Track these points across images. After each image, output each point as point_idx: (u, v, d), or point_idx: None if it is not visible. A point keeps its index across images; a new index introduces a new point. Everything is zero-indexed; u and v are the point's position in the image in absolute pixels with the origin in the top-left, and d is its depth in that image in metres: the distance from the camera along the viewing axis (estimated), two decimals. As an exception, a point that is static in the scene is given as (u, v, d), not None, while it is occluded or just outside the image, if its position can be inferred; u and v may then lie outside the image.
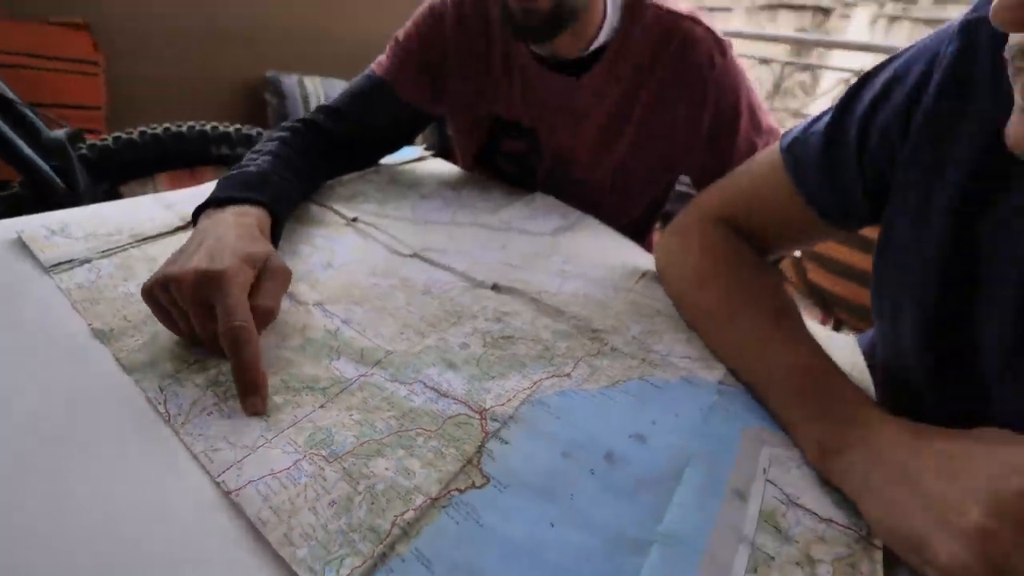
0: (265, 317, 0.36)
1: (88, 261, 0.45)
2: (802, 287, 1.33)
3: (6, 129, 0.76)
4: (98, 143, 0.83)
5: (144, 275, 0.44)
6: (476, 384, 0.35)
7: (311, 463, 0.28)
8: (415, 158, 0.81)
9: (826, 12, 9.58)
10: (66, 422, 0.30)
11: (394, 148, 0.76)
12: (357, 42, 1.90)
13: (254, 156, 0.54)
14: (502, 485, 0.28)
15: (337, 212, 0.59)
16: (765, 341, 0.37)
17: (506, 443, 0.30)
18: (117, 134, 0.84)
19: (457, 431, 0.31)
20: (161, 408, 0.31)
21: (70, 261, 0.44)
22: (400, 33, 0.70)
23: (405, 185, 0.70)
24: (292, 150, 0.57)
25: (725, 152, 0.60)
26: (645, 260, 0.56)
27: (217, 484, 0.27)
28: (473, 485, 0.28)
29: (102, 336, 0.37)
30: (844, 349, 0.45)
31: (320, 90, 1.77)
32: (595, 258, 0.55)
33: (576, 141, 0.66)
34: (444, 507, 0.26)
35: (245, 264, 0.36)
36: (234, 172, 0.50)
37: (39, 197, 0.75)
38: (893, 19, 9.04)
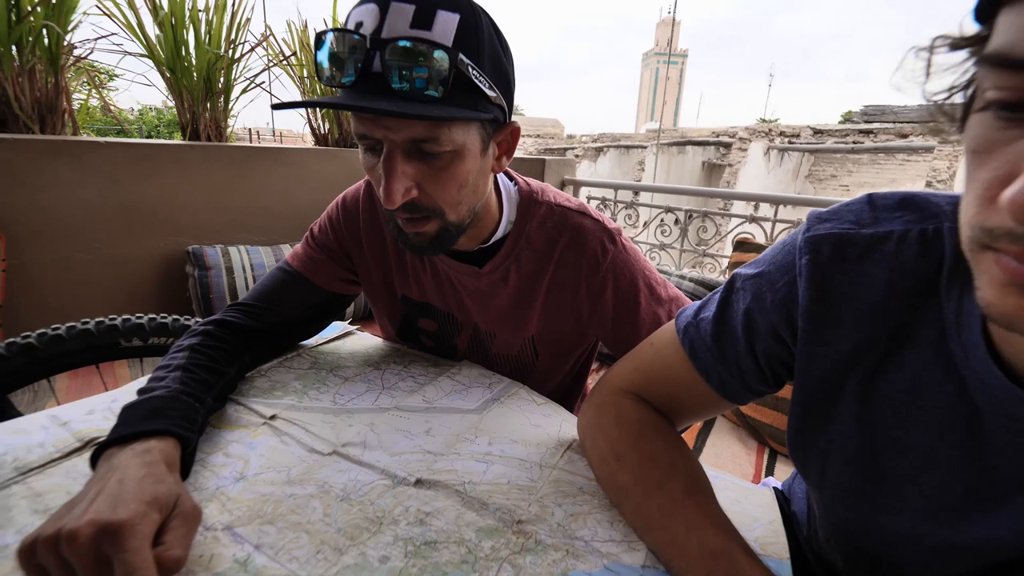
0: (172, 568, 0.36)
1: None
2: (736, 417, 1.41)
3: None
4: (-11, 351, 0.81)
5: (22, 518, 0.43)
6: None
7: None
8: (340, 334, 0.86)
9: (727, 146, 11.54)
10: None
11: (317, 330, 0.81)
12: (277, 212, 2.05)
13: (160, 375, 0.55)
14: None
15: (254, 411, 0.61)
16: (677, 520, 0.41)
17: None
18: (11, 340, 0.84)
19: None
20: None
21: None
22: (315, 226, 0.77)
23: (326, 369, 0.73)
24: (203, 357, 0.59)
25: (630, 325, 0.68)
26: (570, 428, 0.61)
27: None
28: None
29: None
30: (763, 506, 0.50)
31: (246, 258, 1.85)
32: (520, 434, 0.59)
33: (488, 320, 0.74)
34: None
35: (150, 510, 0.36)
36: (137, 401, 0.50)
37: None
38: (781, 150, 11.07)
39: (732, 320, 0.46)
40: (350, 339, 0.86)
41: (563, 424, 0.62)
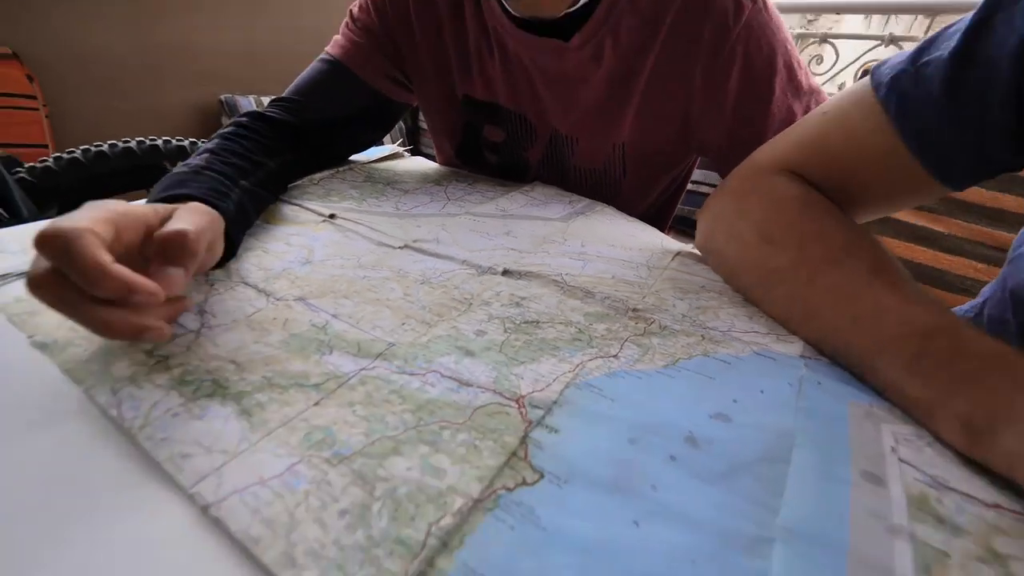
0: (178, 246, 0.30)
1: (25, 274, 0.40)
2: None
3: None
4: (38, 166, 0.78)
5: None
6: (504, 370, 0.31)
7: (310, 467, 0.23)
8: (390, 154, 0.78)
9: None
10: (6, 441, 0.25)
11: (362, 143, 0.73)
12: (308, 57, 1.92)
13: (189, 159, 0.49)
14: (559, 479, 0.23)
15: (311, 210, 0.56)
16: (863, 302, 0.33)
17: (555, 431, 0.26)
18: (58, 154, 0.80)
19: (490, 421, 0.26)
20: (113, 411, 0.26)
21: (5, 276, 0.40)
22: (354, 7, 0.66)
23: (383, 182, 0.66)
24: (234, 144, 0.52)
25: (756, 122, 0.55)
26: (674, 245, 0.53)
27: (191, 497, 0.22)
28: (523, 482, 0.23)
29: (44, 348, 0.32)
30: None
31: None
32: (616, 240, 0.52)
33: (571, 120, 0.63)
34: (490, 509, 0.22)
35: (114, 215, 0.30)
36: (164, 178, 0.45)
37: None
38: None
39: (992, 53, 0.32)
40: (402, 161, 0.78)
41: (666, 239, 0.54)
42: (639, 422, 0.27)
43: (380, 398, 0.28)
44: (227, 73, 1.74)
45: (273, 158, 0.56)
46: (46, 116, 1.60)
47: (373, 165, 0.72)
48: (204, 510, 0.21)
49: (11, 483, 0.23)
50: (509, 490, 0.22)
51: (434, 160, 0.82)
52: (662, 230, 0.78)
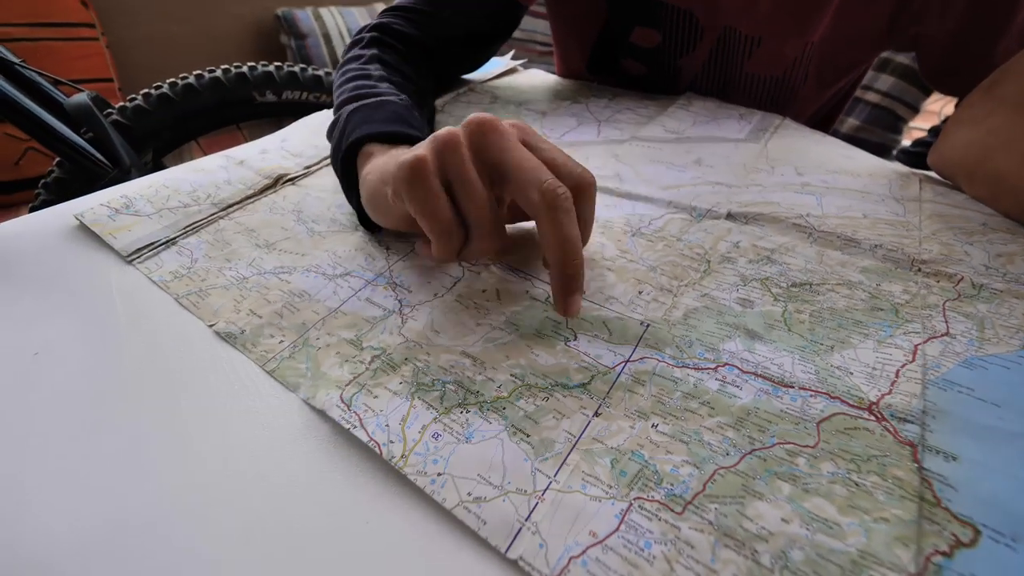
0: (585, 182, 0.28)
1: (172, 242, 0.36)
2: None
3: (24, 99, 0.67)
4: (128, 105, 0.73)
5: (246, 251, 0.35)
6: (818, 361, 0.24)
7: (648, 516, 0.18)
8: (506, 70, 0.68)
9: None
10: (230, 469, 0.21)
11: (482, 58, 0.63)
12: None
13: (367, 84, 0.42)
14: (1005, 536, 0.17)
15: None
16: None
17: (952, 458, 0.19)
18: (146, 91, 0.75)
19: (852, 443, 0.20)
20: (359, 432, 0.22)
21: (151, 245, 0.35)
22: None
23: (513, 103, 0.58)
24: (397, 73, 0.46)
25: (1004, 3, 0.43)
26: (899, 167, 0.43)
27: (510, 561, 0.17)
28: (958, 542, 0.17)
29: (233, 340, 0.28)
30: None
31: (341, 22, 1.63)
32: (832, 164, 0.42)
33: (758, 16, 0.51)
34: (934, 588, 0.16)
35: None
36: (367, 103, 0.38)
37: (82, 180, 0.66)
38: None
39: None
40: (522, 75, 0.68)
41: (881, 161, 0.44)
42: (1053, 439, 0.20)
43: (677, 405, 0.22)
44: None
45: (426, 87, 0.49)
46: (106, 47, 1.55)
47: (494, 83, 0.63)
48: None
49: (266, 537, 0.19)
50: (946, 555, 0.17)
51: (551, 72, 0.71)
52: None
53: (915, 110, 1.12)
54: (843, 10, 0.49)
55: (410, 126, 0.36)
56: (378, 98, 0.39)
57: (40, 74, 0.74)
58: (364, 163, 0.34)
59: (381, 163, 0.31)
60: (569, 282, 0.25)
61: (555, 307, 0.26)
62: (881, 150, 1.16)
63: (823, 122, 0.66)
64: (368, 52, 0.47)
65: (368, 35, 0.50)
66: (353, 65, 0.46)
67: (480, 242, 0.26)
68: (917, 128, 1.36)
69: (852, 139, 1.19)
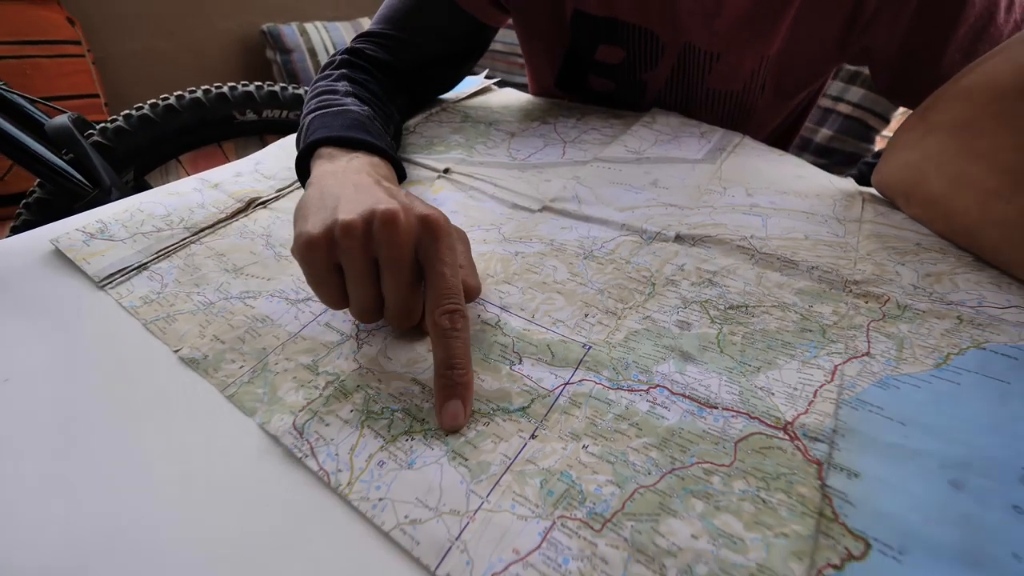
0: (471, 296, 0.30)
1: (145, 267, 0.37)
2: None
3: (3, 122, 0.67)
4: (109, 125, 0.74)
5: (215, 275, 0.36)
6: (743, 382, 0.25)
7: (569, 534, 0.20)
8: (479, 89, 0.70)
9: None
10: (184, 495, 0.22)
11: (453, 79, 0.64)
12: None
13: (333, 98, 0.44)
14: (893, 549, 0.18)
15: (422, 165, 0.50)
16: None
17: (855, 476, 0.21)
18: (127, 112, 0.76)
19: (765, 461, 0.22)
20: (311, 462, 0.23)
21: (123, 270, 0.36)
22: None
23: (484, 122, 0.59)
24: (364, 89, 0.48)
25: (946, 13, 0.45)
26: (846, 184, 0.45)
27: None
28: (850, 555, 0.18)
29: (195, 366, 0.29)
30: None
31: (326, 37, 1.64)
32: (783, 184, 0.44)
33: (716, 31, 0.53)
34: (823, 599, 0.17)
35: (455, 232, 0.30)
36: (328, 111, 0.40)
37: (64, 200, 0.67)
38: None
39: None
40: (493, 95, 0.69)
41: (831, 178, 0.46)
42: (951, 456, 0.21)
43: (608, 427, 0.24)
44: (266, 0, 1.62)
45: (394, 102, 0.51)
46: (92, 63, 1.55)
47: (466, 103, 0.65)
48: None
49: (214, 557, 0.20)
50: (837, 568, 0.18)
51: (521, 89, 0.73)
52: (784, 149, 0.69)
53: (885, 120, 1.15)
54: (796, 25, 0.51)
55: (368, 133, 0.37)
56: (340, 107, 0.41)
57: (22, 96, 0.75)
58: (316, 166, 0.35)
59: (330, 170, 0.33)
60: (449, 389, 0.25)
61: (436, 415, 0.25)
62: (854, 159, 1.18)
63: (786, 134, 0.68)
64: (337, 72, 0.49)
65: (339, 58, 0.52)
66: (321, 84, 0.48)
67: (390, 320, 0.28)
68: (889, 137, 1.40)
69: (826, 149, 1.22)
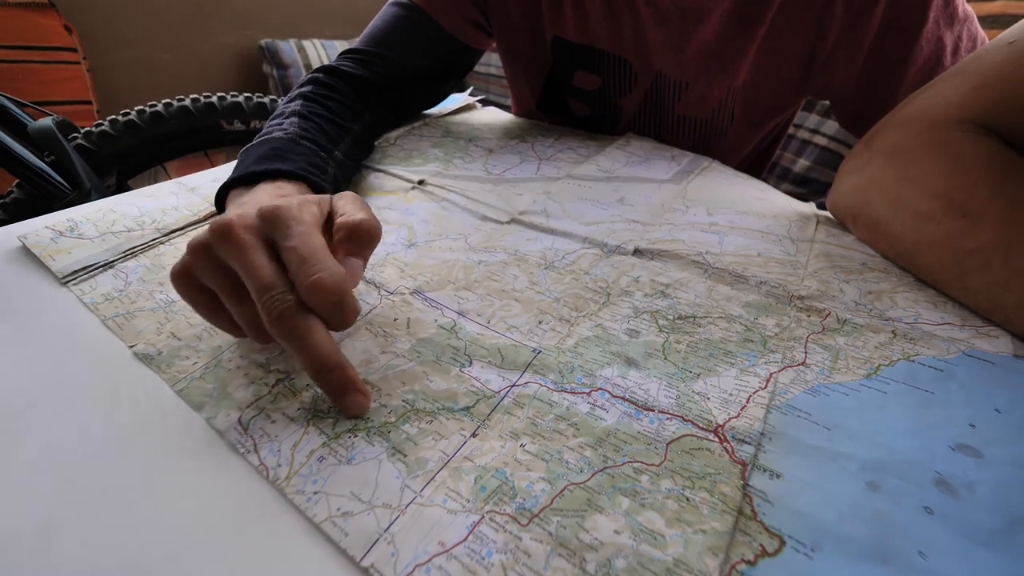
0: (366, 236, 0.28)
1: (110, 265, 0.37)
2: None
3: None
4: (94, 130, 0.75)
5: None
6: (682, 388, 0.26)
7: (496, 528, 0.20)
8: (462, 106, 0.71)
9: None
10: (123, 483, 0.22)
11: (437, 96, 0.66)
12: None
13: (276, 122, 0.44)
14: (805, 546, 0.19)
15: (397, 176, 0.51)
16: None
17: (777, 476, 0.21)
18: (113, 117, 0.76)
19: (693, 462, 0.22)
20: (252, 457, 0.23)
21: (87, 268, 0.37)
22: None
23: (464, 138, 0.60)
24: (319, 106, 0.48)
25: (898, 57, 0.48)
26: (805, 208, 0.47)
27: (364, 571, 0.19)
28: (763, 552, 0.19)
29: (149, 361, 0.29)
30: None
31: (323, 54, 1.67)
32: (744, 205, 0.45)
33: (683, 61, 0.55)
34: (734, 593, 0.18)
35: (308, 202, 0.29)
36: (255, 143, 0.41)
37: (42, 201, 0.67)
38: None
39: None
40: (476, 113, 0.71)
41: (791, 201, 0.48)
42: (870, 460, 0.22)
43: (547, 427, 0.24)
44: (266, 16, 1.65)
45: (357, 121, 0.51)
46: (87, 70, 1.56)
47: (449, 119, 0.66)
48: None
49: (146, 541, 0.20)
50: (750, 564, 0.18)
51: (506, 110, 0.75)
52: (758, 175, 0.71)
53: (859, 152, 1.19)
54: (760, 59, 0.53)
55: (279, 159, 0.37)
56: (265, 136, 0.41)
57: (7, 98, 0.76)
58: (227, 208, 0.35)
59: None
60: (330, 388, 0.25)
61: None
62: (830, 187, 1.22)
63: (758, 159, 0.70)
64: (299, 91, 0.50)
65: (309, 76, 0.53)
66: (279, 107, 0.48)
67: (271, 328, 0.25)
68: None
69: (804, 179, 1.25)
